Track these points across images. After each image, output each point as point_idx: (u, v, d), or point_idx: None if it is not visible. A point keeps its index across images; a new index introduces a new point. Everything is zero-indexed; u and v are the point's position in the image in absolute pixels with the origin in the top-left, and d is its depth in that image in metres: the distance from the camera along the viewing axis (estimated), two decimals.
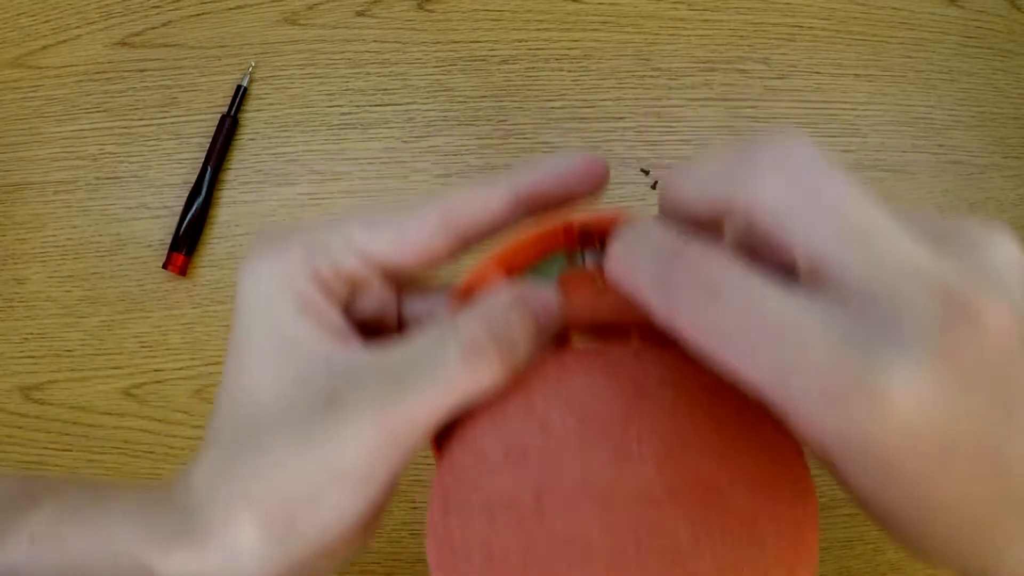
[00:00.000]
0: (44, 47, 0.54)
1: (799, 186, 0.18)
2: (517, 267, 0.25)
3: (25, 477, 0.26)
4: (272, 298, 0.21)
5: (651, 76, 0.56)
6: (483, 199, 0.23)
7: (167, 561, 0.20)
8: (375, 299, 0.24)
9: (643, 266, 0.19)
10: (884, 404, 0.15)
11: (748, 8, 0.57)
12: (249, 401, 0.21)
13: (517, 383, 0.22)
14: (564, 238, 0.24)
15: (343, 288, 0.23)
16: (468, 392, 0.20)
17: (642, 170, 0.55)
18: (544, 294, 0.22)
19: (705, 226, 0.20)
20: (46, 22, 0.55)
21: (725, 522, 0.18)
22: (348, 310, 0.24)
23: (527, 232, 0.24)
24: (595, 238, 0.24)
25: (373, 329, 0.24)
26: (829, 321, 0.16)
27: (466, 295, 0.24)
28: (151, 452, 0.52)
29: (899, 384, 0.15)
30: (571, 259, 0.25)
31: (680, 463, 0.19)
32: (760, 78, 0.57)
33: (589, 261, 0.24)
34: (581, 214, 0.24)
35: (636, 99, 0.56)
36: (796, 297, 0.17)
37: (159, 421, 0.52)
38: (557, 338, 0.23)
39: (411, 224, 0.23)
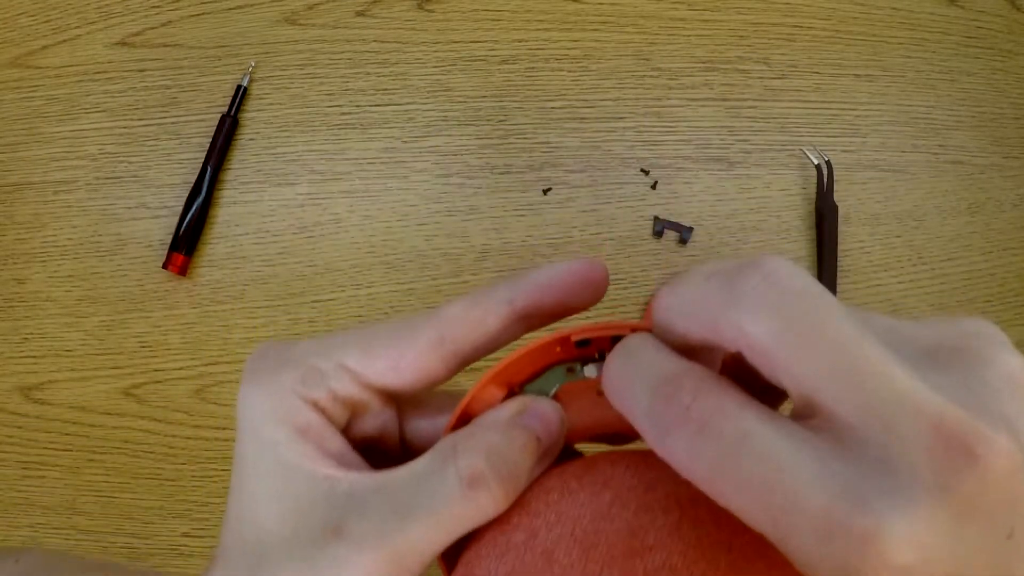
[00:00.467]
0: (44, 47, 0.54)
1: (785, 321, 0.17)
2: (516, 382, 0.24)
3: (53, 557, 0.26)
4: (269, 425, 0.21)
5: (651, 76, 0.56)
6: (480, 317, 0.22)
7: None
8: (375, 419, 0.24)
9: (635, 395, 0.18)
10: (881, 551, 0.15)
11: (748, 8, 0.57)
12: (254, 525, 0.21)
13: (521, 503, 0.21)
14: (562, 350, 0.24)
15: (343, 411, 0.23)
16: (470, 521, 0.20)
17: (642, 170, 0.55)
18: (545, 408, 0.22)
19: (701, 345, 0.19)
20: (46, 22, 0.55)
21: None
22: (349, 431, 0.23)
23: (523, 347, 0.23)
24: (594, 348, 0.23)
25: (376, 448, 0.24)
26: (823, 464, 0.16)
27: (465, 418, 0.23)
28: (151, 452, 0.52)
29: (897, 531, 0.15)
30: (570, 371, 0.24)
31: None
32: (760, 78, 0.57)
33: (589, 372, 0.24)
34: (579, 325, 0.23)
35: (636, 99, 0.56)
36: (789, 439, 0.16)
37: (159, 421, 0.52)
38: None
39: (407, 347, 0.22)
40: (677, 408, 0.17)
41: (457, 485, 0.20)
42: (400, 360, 0.22)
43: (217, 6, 0.55)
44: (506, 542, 0.20)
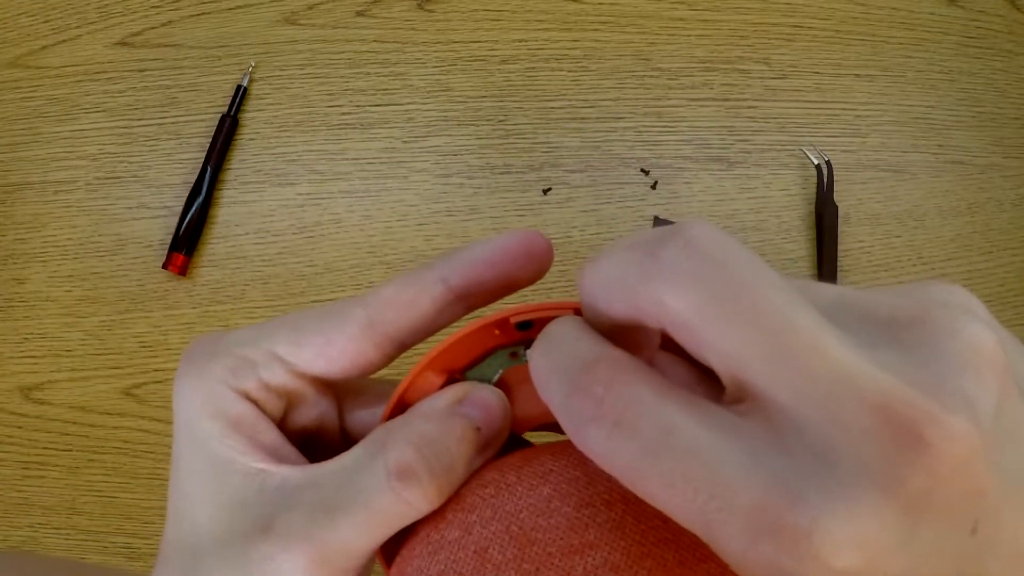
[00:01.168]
0: (44, 47, 0.54)
1: (708, 293, 0.15)
2: (456, 368, 0.22)
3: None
4: (199, 419, 0.21)
5: (651, 76, 0.56)
6: (410, 298, 0.21)
7: None
8: (312, 409, 0.23)
9: (552, 385, 0.16)
10: (817, 553, 0.13)
11: (748, 8, 0.57)
12: (189, 521, 0.20)
13: (458, 497, 0.20)
14: (502, 333, 0.22)
15: (277, 401, 0.22)
16: (401, 518, 0.19)
17: (642, 170, 0.55)
18: (487, 396, 0.21)
19: (630, 325, 0.17)
20: (46, 22, 0.55)
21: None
22: (286, 423, 0.22)
23: (461, 330, 0.21)
24: (537, 330, 0.20)
25: (318, 441, 0.23)
26: (753, 456, 0.14)
27: (401, 406, 0.22)
28: (151, 452, 0.52)
29: (835, 530, 0.13)
30: (513, 355, 0.23)
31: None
32: (760, 78, 0.57)
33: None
34: (518, 306, 0.21)
35: (636, 99, 0.56)
36: (715, 430, 0.15)
37: (159, 421, 0.52)
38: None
39: (336, 332, 0.21)
40: (591, 400, 0.15)
41: (385, 479, 0.19)
42: (328, 346, 0.21)
43: (217, 6, 0.55)
44: (440, 539, 0.19)
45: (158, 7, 0.55)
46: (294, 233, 0.54)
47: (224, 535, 0.19)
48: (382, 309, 0.21)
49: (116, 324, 0.53)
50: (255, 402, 0.21)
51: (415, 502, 0.19)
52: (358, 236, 0.54)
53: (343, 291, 0.53)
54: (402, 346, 0.22)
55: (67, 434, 0.52)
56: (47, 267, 0.53)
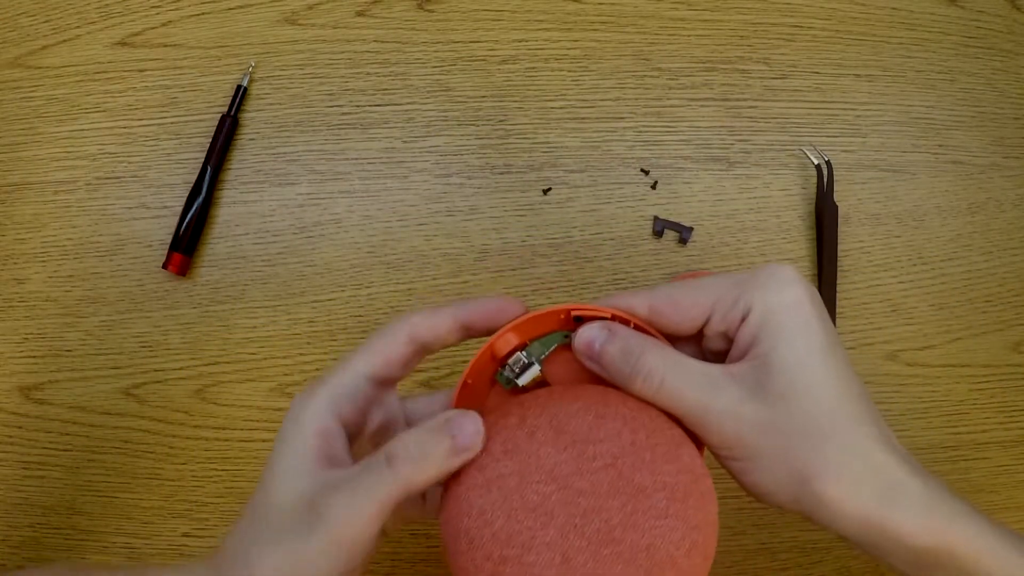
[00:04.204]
0: (44, 47, 0.54)
1: (803, 299, 0.31)
2: (527, 335, 0.34)
3: (73, 564, 0.36)
4: (305, 433, 0.31)
5: (651, 76, 0.56)
6: (437, 322, 0.34)
7: None
8: (383, 408, 0.35)
9: (612, 352, 0.32)
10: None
11: (748, 8, 0.57)
12: (274, 491, 0.31)
13: (520, 403, 0.32)
14: (564, 319, 0.34)
15: (357, 415, 0.33)
16: (396, 487, 0.29)
17: (642, 170, 0.55)
18: (463, 421, 0.30)
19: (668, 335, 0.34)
20: (46, 22, 0.55)
21: (645, 514, 0.28)
22: (366, 424, 0.34)
23: (537, 310, 0.34)
24: (582, 323, 0.34)
25: (389, 432, 0.35)
26: (735, 379, 0.31)
27: (488, 352, 0.34)
28: (151, 452, 0.52)
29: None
30: (566, 337, 0.34)
31: (621, 471, 0.29)
32: (760, 78, 0.57)
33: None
34: (578, 304, 0.34)
35: (636, 99, 0.56)
36: (712, 371, 0.32)
37: (159, 421, 0.52)
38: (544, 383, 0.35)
39: (390, 343, 0.33)
40: (639, 356, 0.32)
41: (385, 462, 0.30)
42: (387, 352, 0.33)
43: (217, 6, 0.55)
44: (505, 423, 0.31)
45: (158, 7, 0.55)
46: (294, 233, 0.54)
47: (290, 508, 0.30)
48: (417, 329, 0.33)
49: (116, 324, 0.53)
50: (341, 418, 0.32)
51: (404, 473, 0.30)
52: (358, 236, 0.54)
53: (343, 291, 0.53)
54: (425, 352, 0.35)
55: (67, 434, 0.52)
56: (47, 267, 0.53)
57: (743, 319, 0.32)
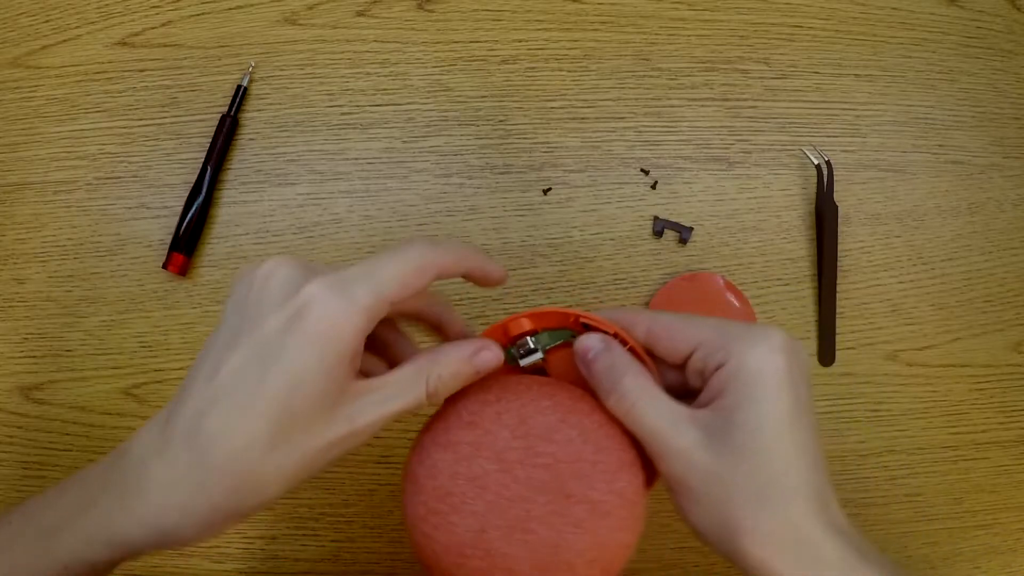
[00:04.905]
0: (44, 47, 0.54)
1: (780, 368, 0.33)
2: (539, 324, 0.38)
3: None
4: (344, 342, 0.30)
5: (651, 76, 0.56)
6: (447, 265, 0.34)
7: None
8: (387, 327, 0.38)
9: (601, 365, 0.36)
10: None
11: (748, 8, 0.57)
12: (302, 386, 0.30)
13: (504, 384, 0.35)
14: (573, 322, 0.38)
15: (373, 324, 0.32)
16: (409, 403, 0.33)
17: (642, 170, 0.55)
18: (488, 355, 0.34)
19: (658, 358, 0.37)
20: (46, 22, 0.55)
21: (562, 517, 0.31)
22: (373, 335, 0.34)
23: (552, 307, 0.38)
24: (589, 330, 0.37)
25: (381, 350, 0.38)
26: (697, 423, 0.33)
27: (501, 329, 0.38)
28: None
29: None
30: (573, 336, 0.38)
31: (558, 474, 0.32)
32: (760, 78, 0.57)
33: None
34: (587, 313, 0.37)
35: (636, 99, 0.56)
36: (679, 410, 0.34)
37: None
38: (538, 372, 0.39)
39: (412, 274, 0.32)
40: (620, 378, 0.35)
41: (423, 386, 0.33)
42: (410, 285, 0.32)
43: (217, 6, 0.55)
44: (483, 397, 0.35)
45: (158, 7, 0.55)
46: (294, 233, 0.54)
47: (321, 397, 0.30)
48: (432, 266, 0.33)
49: (116, 324, 0.53)
50: (372, 322, 0.31)
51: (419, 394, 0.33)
52: (358, 236, 0.54)
53: None
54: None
55: (67, 434, 0.52)
56: (47, 267, 0.53)
57: (718, 367, 0.34)
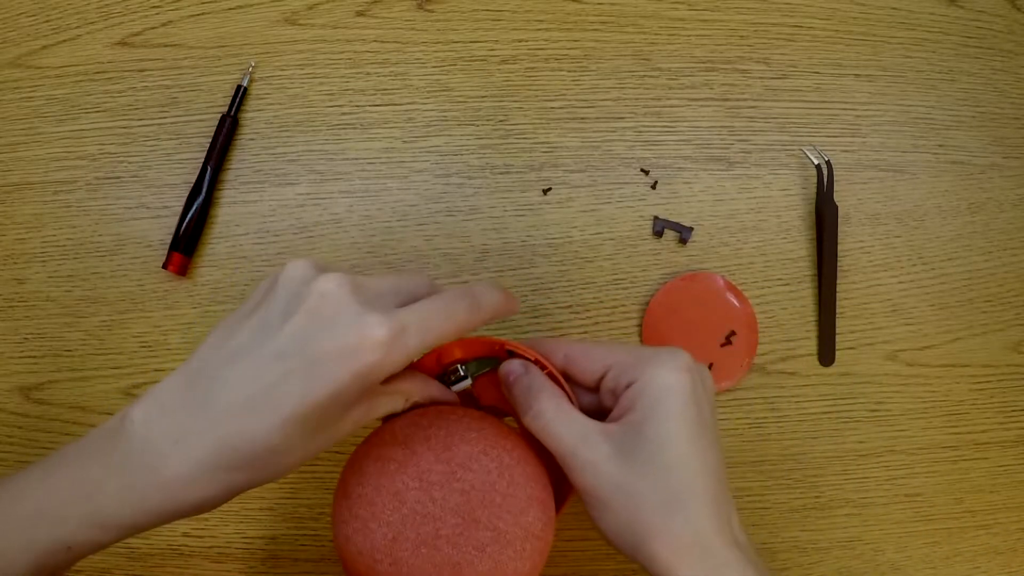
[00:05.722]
0: (44, 47, 0.54)
1: (685, 385, 0.36)
2: (469, 352, 0.41)
3: None
4: (346, 393, 0.32)
5: (651, 76, 0.56)
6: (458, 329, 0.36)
7: None
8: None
9: (520, 386, 0.39)
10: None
11: (748, 8, 0.57)
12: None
13: (439, 412, 0.39)
14: (499, 349, 0.41)
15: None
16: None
17: (642, 170, 0.55)
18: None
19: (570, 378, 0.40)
20: (46, 22, 0.55)
21: (468, 540, 0.35)
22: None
23: (482, 336, 0.41)
24: (514, 356, 0.41)
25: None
26: (607, 437, 0.36)
27: (436, 354, 0.41)
28: None
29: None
30: (497, 364, 0.41)
31: (471, 500, 0.35)
32: (760, 78, 0.57)
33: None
34: (513, 341, 0.40)
35: (636, 99, 0.56)
36: (590, 425, 0.37)
37: None
38: (472, 401, 0.43)
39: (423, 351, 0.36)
40: (535, 398, 0.38)
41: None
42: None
43: (217, 6, 0.55)
44: (416, 421, 0.38)
45: (158, 7, 0.55)
46: (294, 233, 0.54)
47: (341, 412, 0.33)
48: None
49: (116, 324, 0.53)
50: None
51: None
52: (358, 236, 0.54)
53: None
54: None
55: (67, 434, 0.52)
56: (47, 267, 0.53)
57: (628, 385, 0.37)
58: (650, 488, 0.35)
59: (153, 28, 0.55)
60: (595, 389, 0.40)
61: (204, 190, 0.52)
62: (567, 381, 0.40)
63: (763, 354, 0.55)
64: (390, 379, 0.35)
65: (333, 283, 0.31)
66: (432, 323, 0.32)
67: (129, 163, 0.54)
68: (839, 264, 0.55)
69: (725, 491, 0.36)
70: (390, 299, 0.33)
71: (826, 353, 0.55)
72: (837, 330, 0.55)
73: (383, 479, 0.36)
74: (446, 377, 0.41)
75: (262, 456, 0.31)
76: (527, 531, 0.36)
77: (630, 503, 0.35)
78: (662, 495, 0.34)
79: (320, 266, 0.33)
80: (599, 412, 0.39)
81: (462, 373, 0.41)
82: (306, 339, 0.31)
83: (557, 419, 0.37)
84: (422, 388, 0.39)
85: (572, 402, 0.39)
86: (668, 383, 0.36)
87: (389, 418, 0.39)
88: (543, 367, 0.40)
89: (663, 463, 0.35)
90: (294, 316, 0.31)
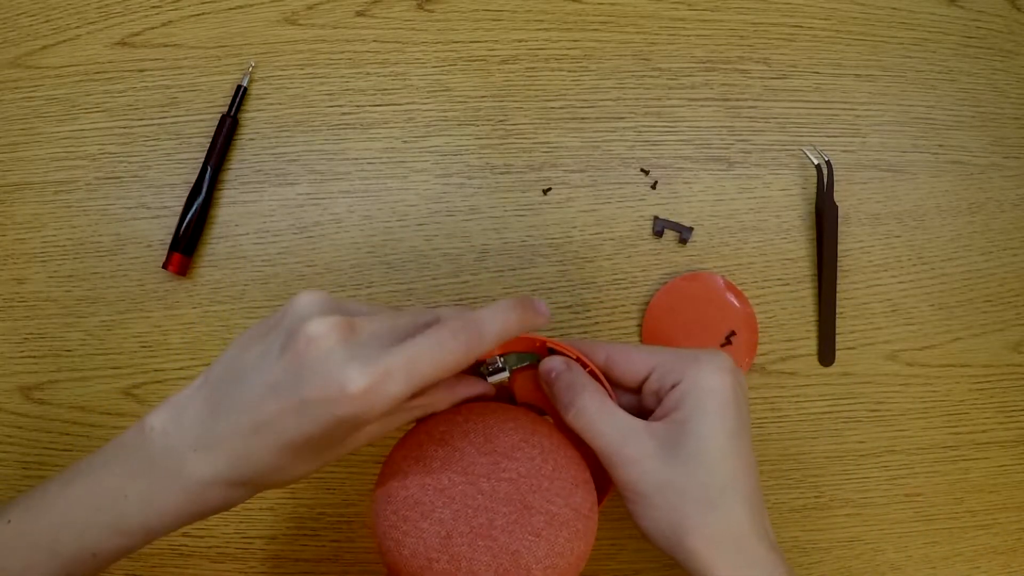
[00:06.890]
0: (44, 47, 0.54)
1: (728, 386, 0.37)
2: (508, 347, 0.42)
3: None
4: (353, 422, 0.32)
5: (651, 76, 0.56)
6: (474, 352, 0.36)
7: None
8: None
9: (562, 383, 0.40)
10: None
11: (748, 8, 0.57)
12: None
13: (471, 407, 0.39)
14: (539, 347, 0.42)
15: None
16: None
17: (642, 170, 0.55)
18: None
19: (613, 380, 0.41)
20: (46, 22, 0.55)
21: (522, 526, 0.35)
22: None
23: (526, 334, 0.40)
24: (554, 355, 0.41)
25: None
26: (651, 434, 0.37)
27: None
28: None
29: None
30: (538, 359, 0.42)
31: (519, 487, 0.35)
32: (760, 78, 0.57)
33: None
34: (555, 340, 0.41)
35: (636, 99, 0.56)
36: (633, 423, 0.38)
37: None
38: (507, 398, 0.43)
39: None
40: (579, 395, 0.39)
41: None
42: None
43: (217, 6, 0.55)
44: (453, 418, 0.39)
45: (158, 7, 0.55)
46: (294, 233, 0.54)
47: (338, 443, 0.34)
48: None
49: (116, 324, 0.53)
50: None
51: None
52: (358, 236, 0.54)
53: (343, 291, 0.53)
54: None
55: (67, 434, 0.52)
56: (47, 267, 0.53)
57: (673, 386, 0.38)
58: (692, 484, 0.35)
59: (153, 28, 0.55)
60: (635, 390, 0.40)
61: (204, 190, 0.52)
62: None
63: (763, 354, 0.55)
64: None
65: (324, 327, 0.31)
66: (421, 365, 0.31)
67: (129, 163, 0.54)
68: (839, 264, 0.55)
69: (759, 492, 0.37)
70: (386, 339, 0.32)
71: (826, 353, 0.55)
72: (837, 330, 0.55)
73: (428, 478, 0.36)
74: (484, 368, 0.41)
75: (269, 474, 0.33)
76: (577, 511, 0.36)
77: (672, 499, 0.35)
78: (703, 491, 0.35)
79: (325, 303, 0.33)
80: (639, 413, 0.39)
81: (500, 365, 0.41)
82: (295, 380, 0.31)
83: (600, 416, 0.38)
84: (446, 397, 0.38)
85: (613, 400, 0.39)
86: (713, 384, 0.37)
87: (420, 420, 0.39)
88: (584, 365, 0.40)
89: (706, 460, 0.35)
90: (287, 354, 0.31)
